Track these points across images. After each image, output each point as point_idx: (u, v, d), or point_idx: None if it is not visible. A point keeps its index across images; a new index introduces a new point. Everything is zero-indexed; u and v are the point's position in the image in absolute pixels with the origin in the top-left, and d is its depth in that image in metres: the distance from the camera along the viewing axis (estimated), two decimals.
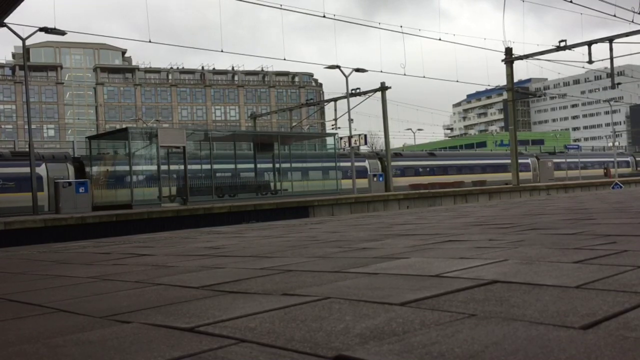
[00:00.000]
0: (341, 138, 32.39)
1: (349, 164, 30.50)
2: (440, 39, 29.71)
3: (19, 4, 18.12)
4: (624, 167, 57.28)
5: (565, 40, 28.97)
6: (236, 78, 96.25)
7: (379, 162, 34.60)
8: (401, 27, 29.46)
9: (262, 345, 1.52)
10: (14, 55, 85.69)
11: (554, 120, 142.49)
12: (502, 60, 32.28)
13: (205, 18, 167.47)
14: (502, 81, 34.21)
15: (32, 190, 20.98)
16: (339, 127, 42.75)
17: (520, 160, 48.73)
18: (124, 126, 46.81)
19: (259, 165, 29.18)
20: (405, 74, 31.76)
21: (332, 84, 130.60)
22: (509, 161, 47.98)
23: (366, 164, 32.35)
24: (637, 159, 61.92)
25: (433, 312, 1.77)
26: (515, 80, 33.91)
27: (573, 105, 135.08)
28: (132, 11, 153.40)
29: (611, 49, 27.42)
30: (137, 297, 2.54)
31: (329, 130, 52.96)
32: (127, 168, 23.05)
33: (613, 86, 29.52)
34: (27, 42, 22.42)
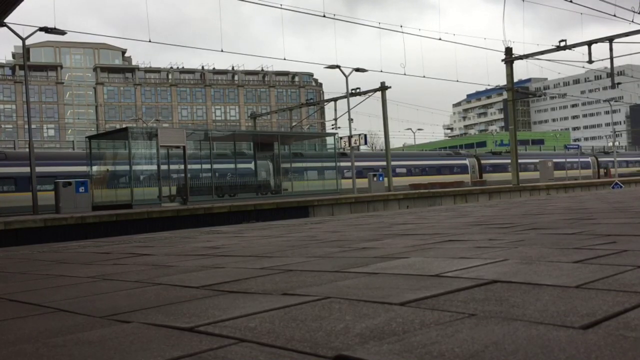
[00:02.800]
0: (341, 138, 32.38)
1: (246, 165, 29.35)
2: (440, 39, 29.72)
3: (19, 4, 18.12)
4: (583, 169, 51.01)
5: (565, 40, 28.98)
6: (236, 78, 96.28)
7: (269, 163, 32.29)
8: (401, 26, 29.53)
9: (262, 345, 1.52)
10: (14, 55, 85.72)
11: (554, 120, 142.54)
12: (502, 60, 32.29)
13: (180, 13, 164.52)
14: (502, 81, 34.23)
15: (32, 190, 21.00)
16: (339, 127, 42.57)
17: (456, 162, 43.74)
18: (124, 126, 46.81)
19: (259, 165, 29.17)
20: (405, 74, 31.79)
21: (331, 84, 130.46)
22: (440, 162, 42.60)
23: (252, 165, 30.40)
24: (601, 159, 55.11)
25: (433, 312, 1.77)
26: (515, 80, 33.91)
27: (573, 105, 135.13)
28: (104, 6, 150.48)
29: (611, 49, 27.44)
30: (137, 296, 2.54)
31: (329, 130, 52.97)
32: (127, 168, 23.06)
33: (613, 86, 29.54)
34: (27, 42, 22.42)
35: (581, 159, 50.53)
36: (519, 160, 47.50)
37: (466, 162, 44.49)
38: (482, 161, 46.60)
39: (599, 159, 54.70)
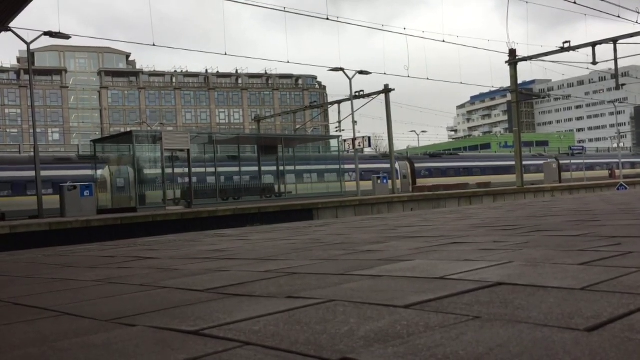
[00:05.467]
0: (345, 140, 32.40)
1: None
2: (444, 41, 29.74)
3: (24, 9, 18.19)
4: (541, 172, 45.39)
5: (569, 42, 28.98)
6: (240, 81, 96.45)
7: (129, 169, 30.22)
8: (405, 29, 29.56)
9: (266, 348, 1.52)
10: (19, 60, 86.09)
11: (558, 122, 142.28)
12: (506, 62, 32.27)
13: (157, 12, 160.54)
14: (506, 82, 34.20)
15: (37, 194, 21.06)
16: (343, 130, 42.09)
17: (382, 165, 37.56)
18: (128, 129, 46.93)
19: (263, 168, 29.21)
20: (409, 76, 31.80)
21: (335, 86, 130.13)
22: (361, 166, 34.55)
23: (100, 172, 26.99)
24: (562, 162, 49.98)
25: (437, 315, 1.77)
26: (519, 81, 33.85)
27: (577, 107, 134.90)
28: (82, 6, 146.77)
29: (615, 50, 27.38)
30: (142, 300, 2.55)
31: (332, 132, 52.92)
32: (132, 171, 23.11)
33: (617, 87, 29.47)
34: (32, 47, 22.54)
35: (541, 162, 46.70)
36: (462, 164, 43.68)
37: (396, 166, 38.13)
38: (416, 164, 41.03)
39: (561, 162, 50.51)
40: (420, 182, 39.48)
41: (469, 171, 43.71)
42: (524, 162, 46.60)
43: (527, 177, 42.74)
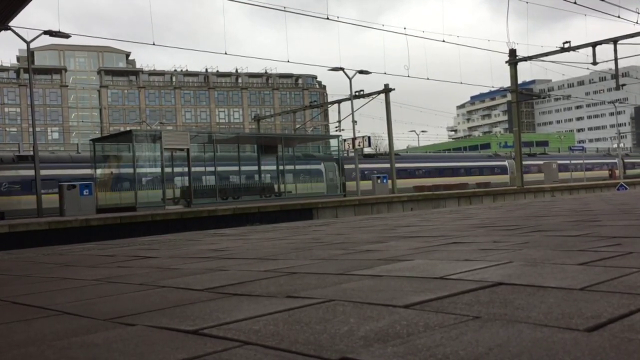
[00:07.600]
0: (345, 140, 32.41)
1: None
2: (444, 41, 29.76)
3: (24, 7, 18.18)
4: (498, 174, 43.31)
5: (569, 42, 28.99)
6: (240, 80, 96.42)
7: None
8: (405, 28, 29.59)
9: (266, 348, 1.52)
10: (18, 59, 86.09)
11: (558, 122, 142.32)
12: (506, 62, 32.27)
13: (136, 7, 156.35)
14: (506, 82, 34.20)
15: (36, 193, 21.07)
16: (343, 129, 42.00)
17: (309, 166, 33.88)
18: (128, 129, 46.94)
19: (262, 168, 29.21)
20: (409, 76, 31.83)
21: (335, 85, 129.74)
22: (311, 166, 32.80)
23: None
24: (524, 162, 44.83)
25: (437, 315, 1.77)
26: (519, 81, 33.85)
27: (577, 107, 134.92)
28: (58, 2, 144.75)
29: (615, 50, 27.39)
30: (142, 299, 2.54)
31: (332, 132, 52.90)
32: (131, 171, 23.11)
33: (618, 87, 29.46)
34: (32, 45, 22.54)
35: (495, 163, 43.78)
36: (402, 165, 39.18)
37: (320, 167, 34.11)
38: (346, 165, 34.74)
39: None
40: (351, 184, 33.35)
41: (410, 174, 39.90)
42: (475, 164, 44.02)
43: (479, 179, 40.49)
